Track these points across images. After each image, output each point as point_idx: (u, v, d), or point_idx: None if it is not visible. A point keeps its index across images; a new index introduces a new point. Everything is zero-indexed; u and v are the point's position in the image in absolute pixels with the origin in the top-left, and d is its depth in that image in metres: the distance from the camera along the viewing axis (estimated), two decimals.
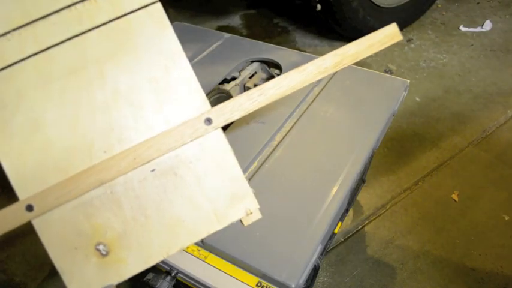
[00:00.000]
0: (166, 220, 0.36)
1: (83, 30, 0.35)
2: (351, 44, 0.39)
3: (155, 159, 0.36)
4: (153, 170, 0.36)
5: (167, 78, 0.37)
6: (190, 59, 0.97)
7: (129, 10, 0.36)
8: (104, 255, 0.34)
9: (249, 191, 0.38)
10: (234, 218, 0.38)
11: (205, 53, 0.99)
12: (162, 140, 0.35)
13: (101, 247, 0.34)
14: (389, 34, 0.38)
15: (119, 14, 0.35)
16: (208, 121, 0.36)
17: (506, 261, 1.08)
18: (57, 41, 0.35)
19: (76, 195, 0.34)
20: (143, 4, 0.36)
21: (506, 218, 1.18)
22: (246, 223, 0.38)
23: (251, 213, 0.38)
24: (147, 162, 0.36)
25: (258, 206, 0.39)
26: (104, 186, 0.35)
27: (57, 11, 0.35)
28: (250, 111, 0.38)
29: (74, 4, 0.35)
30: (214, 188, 0.38)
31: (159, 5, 0.36)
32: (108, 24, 0.35)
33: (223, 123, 0.37)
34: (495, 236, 1.14)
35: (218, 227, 0.38)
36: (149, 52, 0.36)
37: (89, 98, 0.35)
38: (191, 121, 0.36)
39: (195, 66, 0.97)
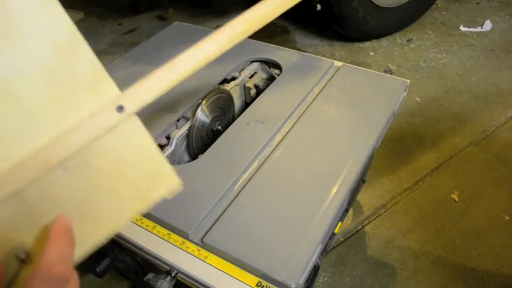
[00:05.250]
0: (90, 214, 0.34)
1: None
2: (257, 7, 0.38)
3: (67, 157, 0.32)
4: (66, 169, 0.32)
5: (65, 66, 0.31)
6: None
7: None
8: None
9: (168, 168, 0.37)
10: (157, 197, 0.37)
11: None
12: (72, 136, 0.32)
13: (23, 256, 0.31)
14: None
15: None
16: (121, 108, 0.33)
17: (506, 261, 1.08)
18: None
19: None
20: None
21: (506, 218, 1.18)
22: (169, 197, 0.37)
23: (173, 188, 0.37)
24: (58, 163, 0.32)
25: (178, 181, 0.37)
26: (15, 199, 0.31)
27: None
28: (166, 91, 0.35)
29: None
30: (134, 172, 0.35)
31: None
32: None
33: (137, 109, 0.34)
34: (495, 236, 1.14)
35: (143, 208, 0.36)
36: (38, 39, 0.30)
37: None
38: (101, 111, 0.32)
39: None
